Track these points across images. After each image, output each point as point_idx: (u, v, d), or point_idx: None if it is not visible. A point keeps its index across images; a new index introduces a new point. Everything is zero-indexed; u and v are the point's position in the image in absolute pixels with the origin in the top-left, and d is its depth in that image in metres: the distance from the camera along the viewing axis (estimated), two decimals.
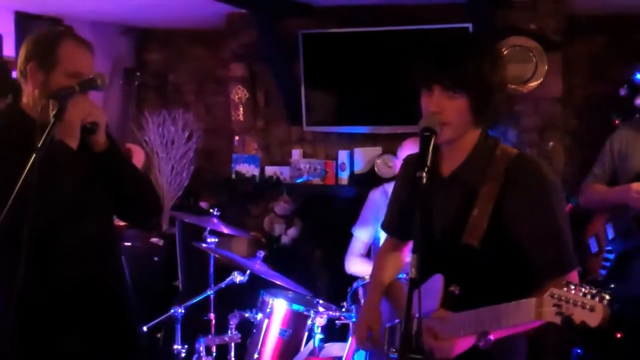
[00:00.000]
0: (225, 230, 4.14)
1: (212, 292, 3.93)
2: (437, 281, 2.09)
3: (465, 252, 2.06)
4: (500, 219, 2.06)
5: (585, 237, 3.67)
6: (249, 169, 5.43)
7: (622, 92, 4.54)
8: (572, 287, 1.76)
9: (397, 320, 2.35)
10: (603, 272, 3.54)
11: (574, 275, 2.07)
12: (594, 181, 3.67)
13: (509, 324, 1.91)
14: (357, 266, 4.16)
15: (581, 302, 1.74)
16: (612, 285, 3.50)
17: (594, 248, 3.60)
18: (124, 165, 2.60)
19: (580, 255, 3.70)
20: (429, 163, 1.93)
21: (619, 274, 3.46)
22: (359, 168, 5.24)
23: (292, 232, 5.29)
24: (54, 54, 2.40)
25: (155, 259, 5.29)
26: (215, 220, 4.09)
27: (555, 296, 1.76)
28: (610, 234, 3.51)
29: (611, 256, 3.49)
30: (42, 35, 2.53)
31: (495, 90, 2.06)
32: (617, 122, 4.35)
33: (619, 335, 3.57)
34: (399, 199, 2.43)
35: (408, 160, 2.43)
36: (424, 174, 1.89)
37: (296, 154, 5.43)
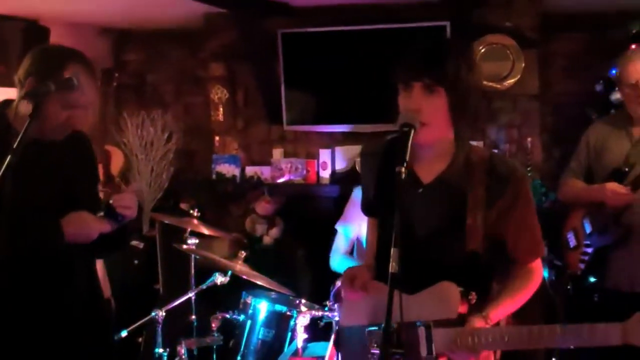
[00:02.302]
0: (206, 232, 4.12)
1: (193, 294, 3.90)
2: (449, 288, 2.09)
3: (470, 258, 2.11)
4: (491, 222, 2.12)
5: (564, 232, 3.71)
6: (229, 169, 5.41)
7: (598, 87, 4.60)
8: None
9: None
10: (582, 266, 3.57)
11: (539, 262, 2.24)
12: (572, 176, 3.70)
13: (587, 345, 1.98)
14: (342, 263, 4.17)
15: None
16: (592, 279, 3.54)
17: (572, 242, 3.64)
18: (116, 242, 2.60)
19: (559, 249, 3.76)
20: (407, 158, 1.95)
21: (597, 267, 3.49)
22: (340, 167, 5.25)
23: (274, 232, 5.28)
24: (58, 76, 2.30)
25: (136, 262, 5.26)
26: (196, 222, 4.08)
27: None
28: (588, 229, 3.54)
29: (589, 250, 3.53)
30: (51, 52, 2.46)
31: (472, 90, 2.10)
32: (593, 117, 4.39)
33: None
34: (369, 186, 2.42)
35: (365, 152, 2.42)
36: (403, 169, 1.91)
37: (277, 153, 5.43)
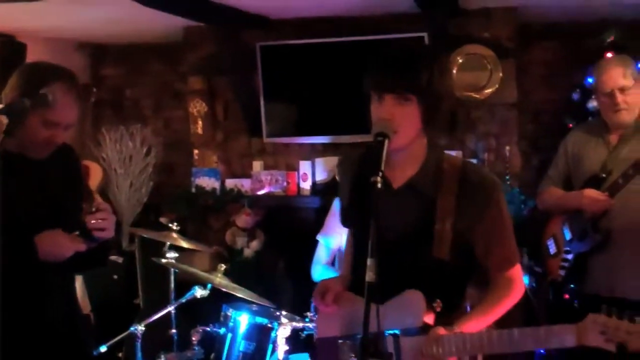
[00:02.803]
0: (186, 245, 4.09)
1: (173, 307, 3.87)
2: (414, 297, 2.09)
3: (436, 266, 2.11)
4: (461, 230, 2.12)
5: (544, 239, 3.72)
6: (209, 183, 5.40)
7: (575, 96, 4.64)
8: (612, 314, 1.88)
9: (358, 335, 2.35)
10: (562, 272, 3.58)
11: (518, 268, 2.21)
12: (550, 184, 3.72)
13: (544, 347, 1.98)
14: (323, 274, 4.17)
15: (626, 329, 1.85)
16: (572, 285, 3.55)
17: (552, 249, 3.65)
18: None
19: (540, 256, 3.77)
20: (382, 168, 1.97)
21: (577, 274, 3.51)
22: (321, 178, 5.26)
23: (255, 244, 5.27)
24: (37, 93, 2.28)
25: (115, 277, 5.24)
26: (176, 235, 4.05)
27: (600, 323, 1.87)
28: (568, 235, 3.56)
29: (569, 257, 3.54)
30: (36, 69, 2.44)
31: (443, 98, 2.11)
32: (570, 125, 4.42)
33: None
34: (342, 196, 2.44)
35: (342, 162, 2.46)
36: (379, 179, 1.92)
37: (257, 165, 5.43)
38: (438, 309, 2.10)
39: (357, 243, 2.32)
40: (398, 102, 2.05)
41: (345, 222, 2.44)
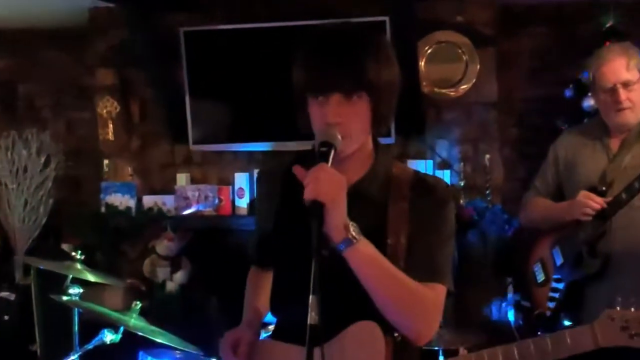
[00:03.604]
0: (94, 278, 4.06)
1: (77, 355, 3.83)
2: (367, 329, 2.07)
3: None
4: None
5: (529, 264, 3.74)
6: (122, 200, 5.37)
7: (568, 93, 4.70)
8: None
9: None
10: (551, 304, 3.60)
11: (441, 291, 2.12)
12: (536, 195, 3.75)
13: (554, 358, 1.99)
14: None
15: None
16: (565, 322, 3.57)
17: (540, 276, 3.67)
18: None
19: (525, 285, 3.79)
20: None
21: (570, 306, 3.53)
22: None
23: (180, 276, 5.25)
24: None
25: (6, 317, 5.19)
26: (80, 266, 4.01)
27: (619, 317, 1.91)
28: (558, 260, 3.58)
29: (560, 285, 3.56)
30: None
31: (394, 89, 2.12)
32: (563, 128, 4.46)
33: None
34: (264, 220, 2.39)
35: (264, 173, 2.45)
36: (312, 202, 1.93)
37: (182, 179, 5.42)
38: (399, 339, 2.09)
39: (281, 276, 2.30)
40: (346, 101, 2.06)
41: (263, 254, 2.42)
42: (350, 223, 1.99)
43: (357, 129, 2.08)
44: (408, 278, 2.05)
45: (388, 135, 4.57)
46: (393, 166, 2.22)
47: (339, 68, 2.05)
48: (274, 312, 2.36)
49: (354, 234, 1.98)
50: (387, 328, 2.07)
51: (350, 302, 2.10)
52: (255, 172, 5.23)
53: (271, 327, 2.80)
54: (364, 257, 2.02)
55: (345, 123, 2.06)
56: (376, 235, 2.08)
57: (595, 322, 1.91)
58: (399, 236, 2.10)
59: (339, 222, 1.98)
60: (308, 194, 1.94)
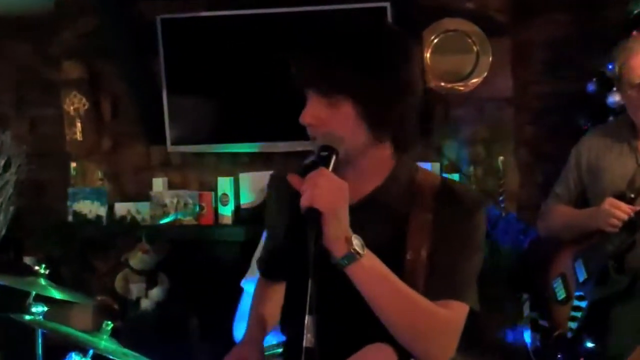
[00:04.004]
0: (60, 296, 4.03)
1: None
2: (381, 354, 2.08)
3: None
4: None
5: (549, 280, 3.74)
6: (92, 208, 5.38)
7: (590, 88, 4.68)
8: None
9: None
10: (573, 324, 3.59)
11: (461, 310, 2.11)
12: (557, 203, 3.74)
13: None
14: None
15: None
16: (588, 344, 3.56)
17: (560, 293, 3.67)
18: None
19: (544, 303, 3.78)
20: None
21: (595, 327, 3.53)
22: (247, 201, 5.26)
23: (156, 293, 5.23)
24: None
25: None
26: (45, 282, 3.99)
27: None
28: (581, 275, 3.58)
29: (583, 304, 3.56)
30: None
31: (391, 96, 2.06)
32: (586, 128, 4.46)
33: None
34: (273, 230, 2.44)
35: (275, 178, 2.44)
36: (308, 210, 1.93)
37: (159, 183, 5.42)
38: None
39: (290, 292, 2.31)
40: (327, 102, 2.05)
41: (270, 266, 2.45)
42: (353, 235, 1.97)
43: (342, 133, 2.05)
44: (420, 296, 2.04)
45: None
46: (417, 173, 2.20)
47: (316, 64, 2.05)
48: (282, 331, 2.38)
49: (357, 247, 1.97)
50: (402, 352, 2.06)
51: (360, 322, 2.10)
52: (241, 176, 5.25)
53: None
54: (369, 273, 2.00)
55: (325, 126, 2.05)
56: (394, 249, 2.09)
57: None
58: (420, 251, 2.09)
59: (339, 234, 1.97)
60: (304, 201, 1.93)
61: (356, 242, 1.96)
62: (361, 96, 2.03)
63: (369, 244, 2.07)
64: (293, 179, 2.03)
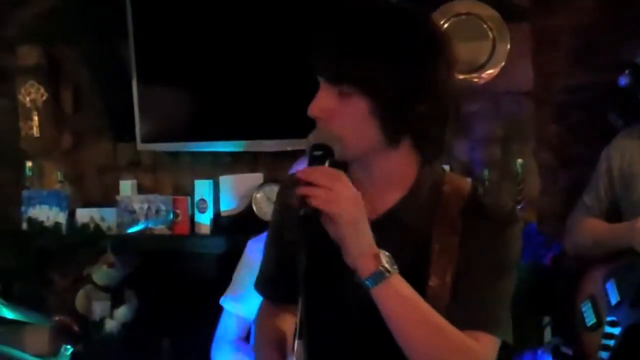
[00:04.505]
0: (12, 315, 4.04)
1: None
2: None
3: None
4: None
5: (576, 302, 3.74)
6: (49, 214, 5.37)
7: (622, 81, 4.66)
8: None
9: None
10: (604, 354, 3.58)
11: (490, 343, 2.12)
12: (586, 215, 3.74)
13: None
14: (229, 356, 4.17)
15: None
16: None
17: (590, 318, 3.67)
18: None
19: (568, 328, 3.78)
20: None
21: (629, 356, 3.52)
22: (228, 207, 5.27)
23: (123, 312, 5.21)
24: None
25: None
26: None
27: None
28: (613, 298, 3.58)
29: (616, 330, 3.56)
30: None
31: (420, 87, 2.03)
32: (617, 126, 4.45)
33: None
34: (277, 243, 2.44)
35: (286, 187, 2.44)
36: (312, 212, 1.93)
37: (127, 187, 5.42)
38: None
39: (315, 315, 2.23)
40: (337, 94, 2.04)
41: (273, 286, 2.47)
42: (381, 251, 1.97)
43: (351, 133, 2.05)
44: (449, 325, 2.04)
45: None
46: (445, 183, 2.19)
47: (324, 47, 2.06)
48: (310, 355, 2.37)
49: (386, 265, 1.97)
50: None
51: (360, 347, 2.14)
52: (222, 178, 5.27)
53: None
54: (398, 295, 2.01)
55: (333, 121, 2.05)
56: (415, 275, 2.08)
57: None
58: (444, 276, 2.09)
59: (365, 250, 1.97)
60: (316, 202, 1.92)
61: (385, 258, 1.97)
62: (375, 88, 2.01)
63: None
64: (302, 173, 2.01)
